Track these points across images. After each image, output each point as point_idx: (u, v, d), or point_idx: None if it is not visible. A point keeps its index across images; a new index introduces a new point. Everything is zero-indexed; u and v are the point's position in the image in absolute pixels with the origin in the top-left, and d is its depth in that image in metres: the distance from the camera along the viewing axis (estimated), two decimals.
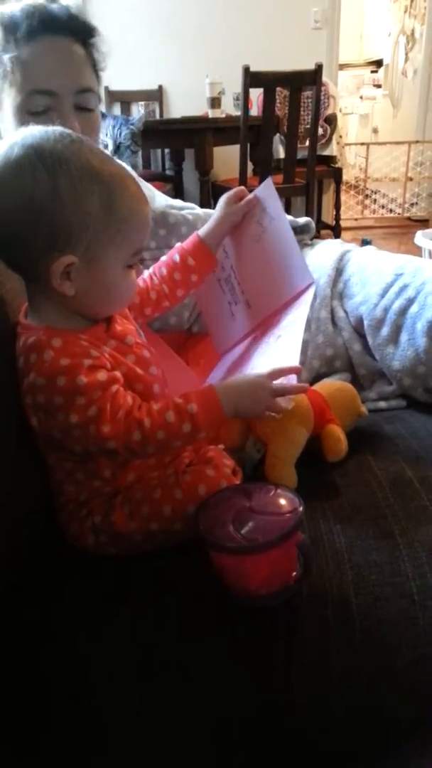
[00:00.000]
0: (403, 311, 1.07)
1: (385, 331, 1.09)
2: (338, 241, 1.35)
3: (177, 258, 0.96)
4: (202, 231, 0.99)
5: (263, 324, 1.01)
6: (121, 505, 0.75)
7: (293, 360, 0.83)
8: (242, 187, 1.00)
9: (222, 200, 1.00)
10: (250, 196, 0.99)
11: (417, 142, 4.80)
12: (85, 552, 0.77)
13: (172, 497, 0.74)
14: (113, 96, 3.93)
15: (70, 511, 0.77)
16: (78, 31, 0.93)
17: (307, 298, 0.93)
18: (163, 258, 0.98)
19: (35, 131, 0.68)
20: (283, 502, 0.67)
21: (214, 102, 3.35)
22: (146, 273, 0.96)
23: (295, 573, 0.67)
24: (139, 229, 0.73)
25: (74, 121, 0.91)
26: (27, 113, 0.89)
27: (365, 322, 1.12)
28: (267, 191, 0.98)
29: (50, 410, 0.68)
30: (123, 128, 2.58)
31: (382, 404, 1.09)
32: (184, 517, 0.73)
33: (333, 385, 0.98)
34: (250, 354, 0.97)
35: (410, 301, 1.07)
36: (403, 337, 1.07)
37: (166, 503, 0.73)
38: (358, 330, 1.16)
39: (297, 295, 0.95)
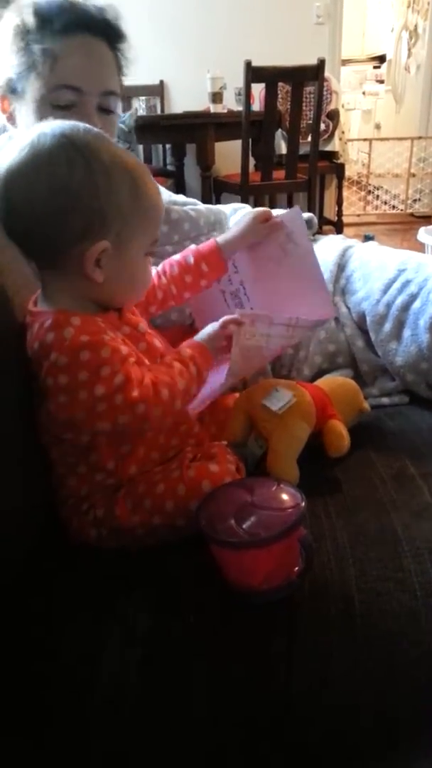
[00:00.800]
0: (406, 307, 1.07)
1: (387, 327, 1.09)
2: (340, 236, 1.35)
3: (191, 260, 0.95)
4: (221, 239, 0.98)
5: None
6: (124, 498, 0.75)
7: None
8: (268, 210, 1.00)
9: (249, 216, 0.99)
10: (276, 219, 0.99)
11: (420, 138, 4.79)
12: (87, 546, 0.77)
13: (174, 492, 0.74)
14: None
15: (71, 505, 0.77)
16: (110, 35, 0.93)
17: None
18: (175, 257, 0.96)
19: (61, 123, 0.69)
20: (285, 497, 0.67)
21: (216, 97, 3.34)
22: (153, 271, 0.95)
23: (297, 568, 0.67)
24: (158, 219, 0.75)
25: (96, 121, 0.92)
26: (51, 106, 0.90)
27: (368, 318, 1.12)
28: (293, 218, 0.98)
29: (73, 388, 0.67)
30: None
31: (385, 400, 1.09)
32: (186, 513, 0.73)
33: (335, 380, 0.98)
34: None
35: (413, 297, 1.07)
36: (406, 333, 1.07)
37: (168, 498, 0.74)
38: (361, 326, 1.16)
39: (314, 323, 0.94)
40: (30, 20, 0.88)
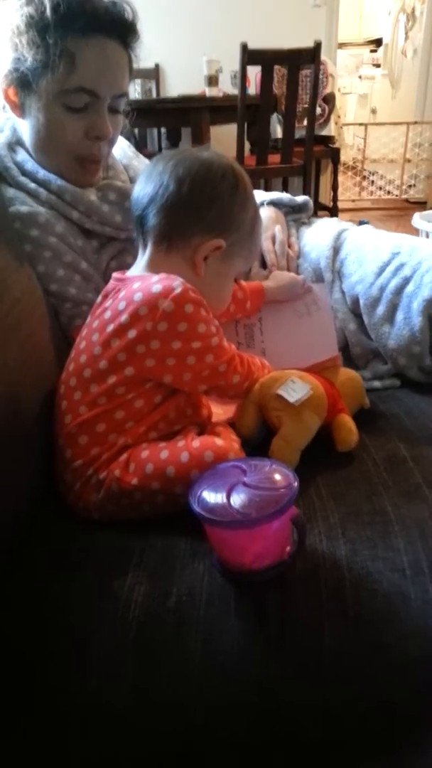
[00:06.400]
0: (399, 290, 1.07)
1: (380, 310, 1.09)
2: (335, 219, 1.34)
3: (240, 294, 1.04)
4: (265, 285, 1.09)
5: None
6: (127, 461, 0.77)
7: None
8: (305, 279, 1.14)
9: (291, 277, 1.12)
10: (309, 285, 1.13)
11: (416, 123, 4.77)
12: (85, 513, 0.79)
13: (177, 459, 0.75)
14: None
15: (76, 467, 0.79)
16: (126, 36, 0.92)
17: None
18: None
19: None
20: (278, 477, 0.67)
21: (211, 80, 3.31)
22: None
23: (289, 548, 0.67)
24: (256, 257, 0.87)
25: (109, 124, 0.93)
26: (64, 106, 0.89)
27: (361, 301, 1.12)
28: (321, 289, 1.15)
29: (170, 337, 0.75)
30: None
31: (377, 384, 1.10)
32: (185, 481, 0.74)
33: (344, 373, 0.96)
34: None
35: (406, 280, 1.07)
36: (399, 316, 1.07)
37: (170, 464, 0.75)
38: (354, 309, 1.16)
39: (319, 364, 0.98)
40: (49, 15, 0.84)
